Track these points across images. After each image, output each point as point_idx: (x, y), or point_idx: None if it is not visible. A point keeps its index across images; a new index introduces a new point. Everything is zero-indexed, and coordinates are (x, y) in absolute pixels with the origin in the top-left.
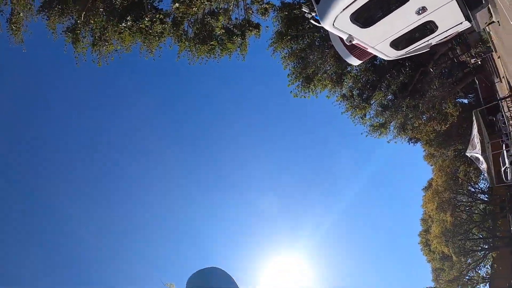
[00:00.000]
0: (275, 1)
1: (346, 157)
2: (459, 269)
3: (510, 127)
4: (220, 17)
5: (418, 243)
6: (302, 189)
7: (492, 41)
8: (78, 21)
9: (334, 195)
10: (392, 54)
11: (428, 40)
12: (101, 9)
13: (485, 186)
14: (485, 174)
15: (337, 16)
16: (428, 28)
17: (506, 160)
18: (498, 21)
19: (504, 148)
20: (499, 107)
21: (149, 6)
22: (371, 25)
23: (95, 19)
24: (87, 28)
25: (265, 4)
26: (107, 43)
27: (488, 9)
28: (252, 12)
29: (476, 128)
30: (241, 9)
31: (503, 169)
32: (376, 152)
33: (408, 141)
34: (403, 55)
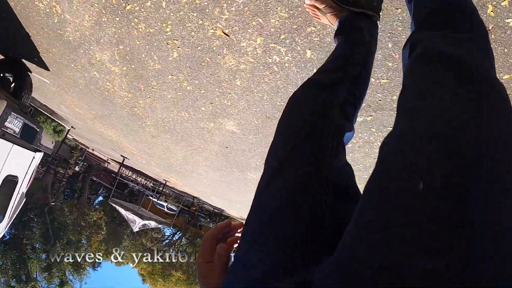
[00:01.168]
0: None
1: None
2: None
3: (137, 184)
4: None
5: None
6: None
7: (80, 142)
8: None
9: None
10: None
11: (18, 193)
12: None
13: (169, 230)
14: (161, 224)
15: None
16: (11, 182)
17: (162, 202)
18: (72, 127)
19: (152, 198)
20: (123, 180)
21: None
22: None
23: None
24: None
25: None
26: None
27: (58, 124)
28: None
29: (122, 209)
30: None
31: (166, 207)
32: None
33: (93, 268)
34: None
